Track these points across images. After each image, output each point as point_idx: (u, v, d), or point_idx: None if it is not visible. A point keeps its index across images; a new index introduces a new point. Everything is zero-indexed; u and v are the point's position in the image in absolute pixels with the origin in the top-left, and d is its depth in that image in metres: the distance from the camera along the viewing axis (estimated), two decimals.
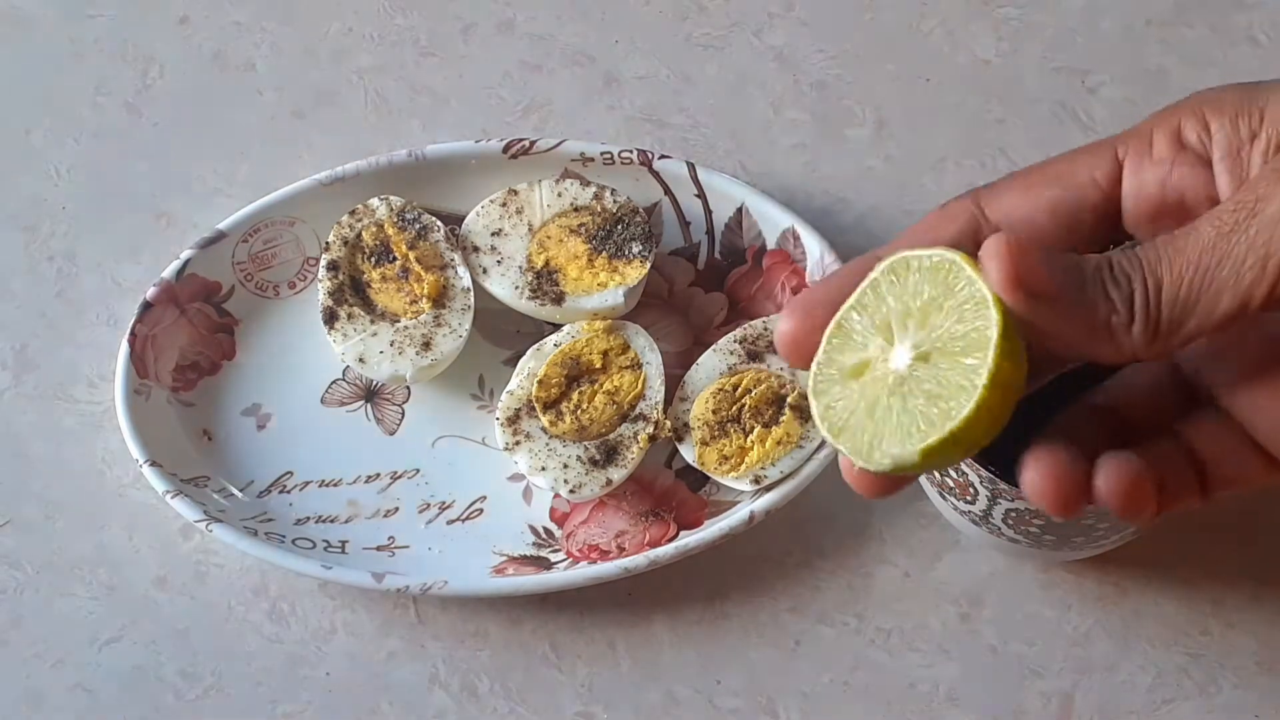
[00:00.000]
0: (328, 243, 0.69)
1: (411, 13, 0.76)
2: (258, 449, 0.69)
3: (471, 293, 0.68)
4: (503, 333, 0.70)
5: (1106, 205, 0.47)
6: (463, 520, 0.67)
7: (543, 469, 0.66)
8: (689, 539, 0.65)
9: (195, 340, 0.69)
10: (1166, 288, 0.43)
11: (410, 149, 0.70)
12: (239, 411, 0.69)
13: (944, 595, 0.66)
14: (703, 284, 0.71)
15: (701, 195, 0.70)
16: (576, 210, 0.69)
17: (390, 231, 0.69)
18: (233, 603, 0.67)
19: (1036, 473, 0.46)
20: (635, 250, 0.68)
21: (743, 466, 0.65)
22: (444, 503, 0.68)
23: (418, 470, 0.68)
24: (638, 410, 0.67)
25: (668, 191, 0.70)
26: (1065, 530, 0.60)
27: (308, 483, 0.68)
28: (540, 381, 0.67)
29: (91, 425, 0.69)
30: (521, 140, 0.70)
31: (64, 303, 0.72)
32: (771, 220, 0.70)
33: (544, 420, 0.66)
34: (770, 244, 0.70)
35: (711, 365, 0.67)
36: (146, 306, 0.68)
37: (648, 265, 0.68)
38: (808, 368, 0.47)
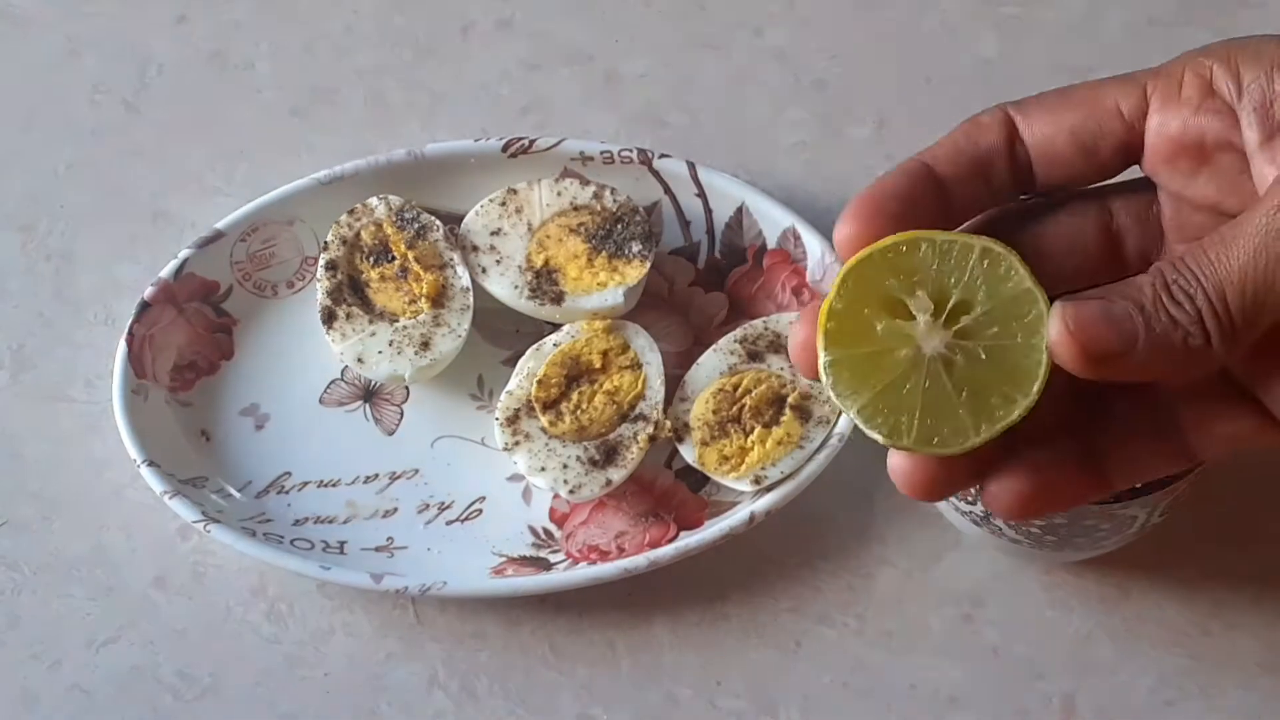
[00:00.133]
0: (326, 242, 0.69)
1: (411, 12, 0.76)
2: (256, 449, 0.68)
3: (470, 292, 0.68)
4: (502, 333, 0.70)
5: (1127, 138, 0.47)
6: (462, 521, 0.67)
7: (542, 469, 0.66)
8: (689, 539, 0.65)
9: (193, 340, 0.69)
10: (1232, 294, 0.43)
11: (409, 148, 0.70)
12: (237, 411, 0.69)
13: (945, 596, 0.66)
14: (703, 284, 0.71)
15: (701, 195, 0.70)
16: (576, 210, 0.69)
17: (389, 231, 0.69)
18: (231, 603, 0.67)
19: (900, 463, 0.46)
20: (635, 250, 0.68)
21: (743, 467, 0.65)
22: (443, 503, 0.67)
23: (417, 471, 0.68)
24: (638, 410, 0.67)
25: (668, 191, 0.70)
26: (1066, 531, 0.60)
27: (306, 483, 0.68)
28: (540, 381, 0.67)
29: (89, 425, 0.69)
30: (521, 139, 0.70)
31: (61, 302, 0.72)
32: (772, 220, 0.69)
33: (543, 420, 0.66)
34: (771, 243, 0.70)
35: (711, 365, 0.67)
36: (144, 306, 0.68)
37: (648, 265, 0.68)
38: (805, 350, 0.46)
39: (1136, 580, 0.66)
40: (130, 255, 0.72)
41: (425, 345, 0.67)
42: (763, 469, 0.65)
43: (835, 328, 0.45)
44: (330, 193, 0.70)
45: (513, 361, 0.68)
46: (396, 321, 0.68)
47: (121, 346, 0.67)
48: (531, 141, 0.70)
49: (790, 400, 0.66)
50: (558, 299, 0.68)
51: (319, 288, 0.68)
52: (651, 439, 0.66)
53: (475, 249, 0.69)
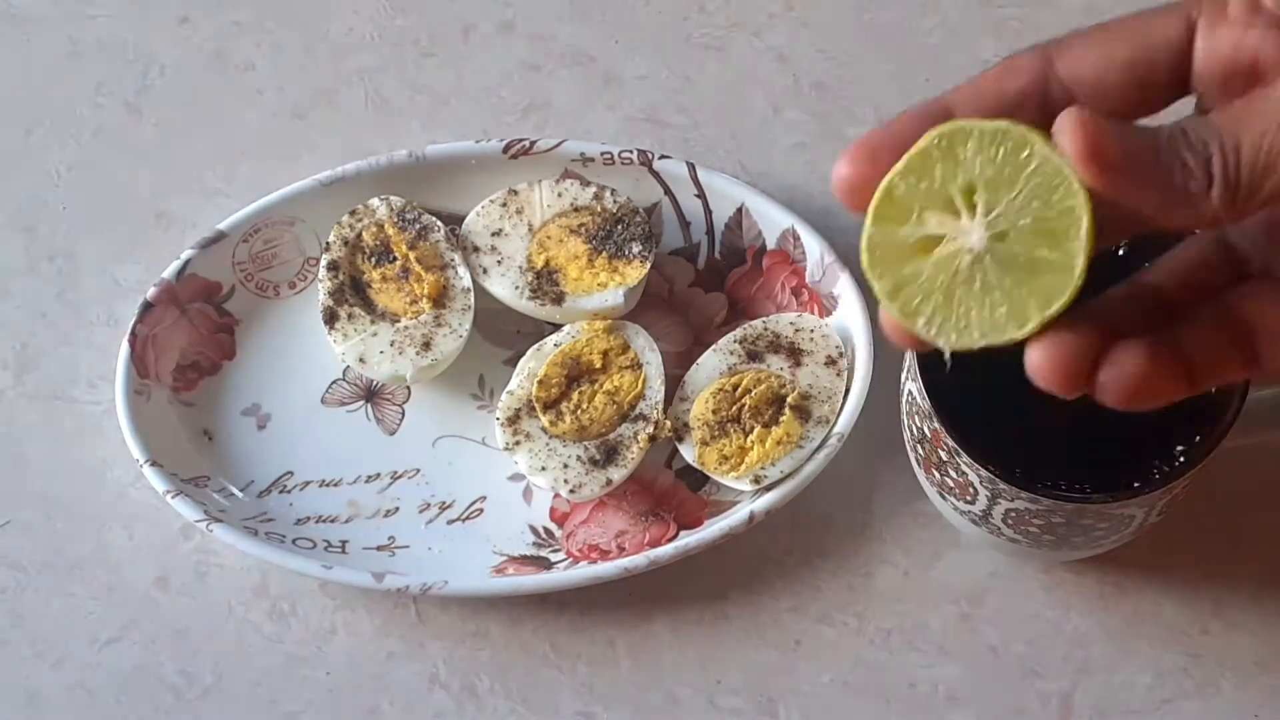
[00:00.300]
0: (328, 243, 0.69)
1: (411, 13, 0.76)
2: (258, 449, 0.69)
3: (471, 293, 0.68)
4: (503, 333, 0.70)
5: (1178, 65, 0.47)
6: (463, 520, 0.67)
7: (543, 469, 0.66)
8: (689, 539, 0.65)
9: (195, 340, 0.69)
10: (1245, 149, 0.43)
11: (410, 149, 0.70)
12: (239, 411, 0.69)
13: (944, 595, 0.66)
14: (703, 284, 0.71)
15: (701, 195, 0.70)
16: (576, 210, 0.69)
17: (390, 231, 0.69)
18: (233, 603, 0.67)
19: (1042, 352, 0.44)
20: (635, 250, 0.68)
21: (743, 466, 0.65)
22: (444, 503, 0.68)
23: (418, 470, 0.68)
24: (638, 410, 0.67)
25: (668, 191, 0.70)
26: (1065, 530, 0.60)
27: (308, 483, 0.68)
28: (540, 381, 0.67)
29: (92, 425, 0.69)
30: (522, 140, 0.70)
31: (64, 303, 0.72)
32: (771, 220, 0.69)
33: (544, 420, 0.66)
34: (770, 244, 0.70)
35: (711, 365, 0.67)
36: (147, 306, 0.68)
37: (648, 265, 0.68)
38: (863, 211, 0.45)
39: (1134, 579, 0.66)
40: (132, 256, 0.72)
41: (426, 345, 0.67)
42: (762, 468, 0.65)
43: (883, 210, 0.45)
44: (332, 193, 0.70)
45: (513, 361, 0.68)
46: (398, 322, 0.68)
47: (124, 347, 0.67)
48: (532, 143, 0.70)
49: (790, 400, 0.66)
50: (558, 299, 0.68)
51: (321, 288, 0.68)
52: (651, 439, 0.66)
53: (476, 249, 0.69)
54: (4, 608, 0.67)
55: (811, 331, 0.67)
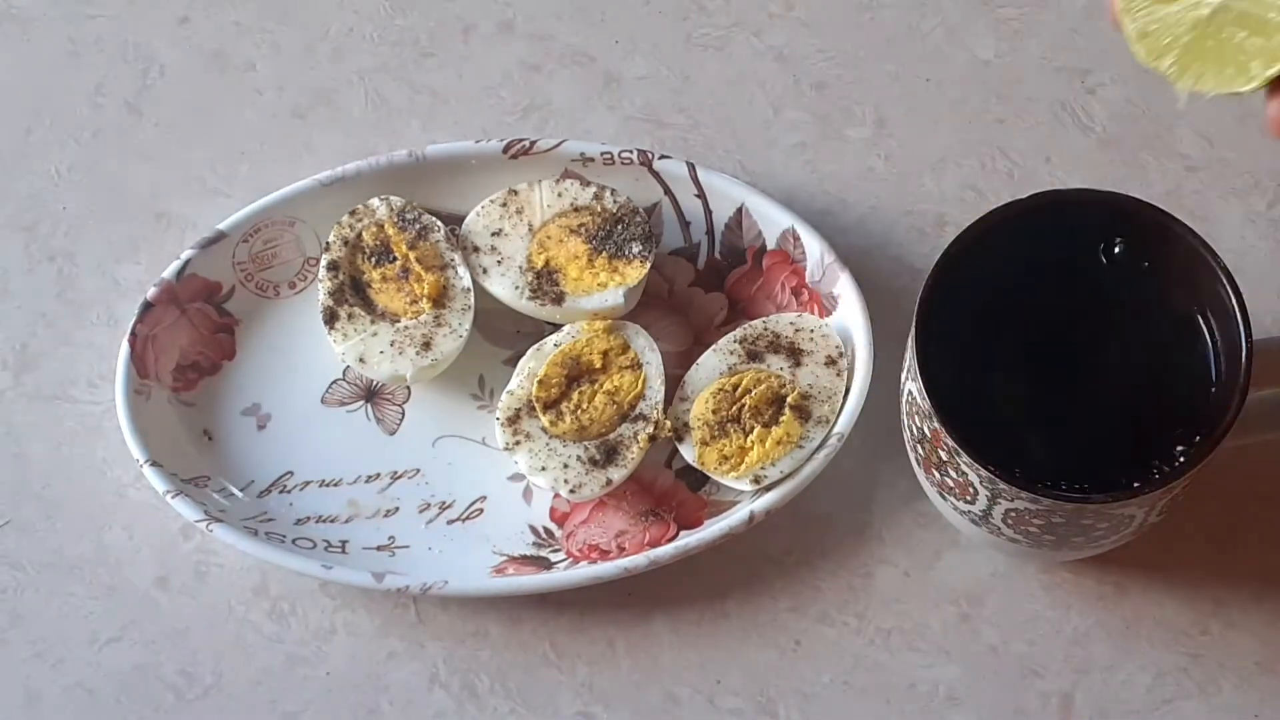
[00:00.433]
0: (328, 243, 0.69)
1: (411, 13, 0.76)
2: (258, 449, 0.69)
3: (471, 293, 0.68)
4: (503, 333, 0.70)
5: None
6: (463, 520, 0.67)
7: (543, 469, 0.66)
8: (689, 539, 0.65)
9: (195, 340, 0.69)
10: None
11: (410, 149, 0.70)
12: (239, 411, 0.69)
13: (944, 595, 0.66)
14: (703, 284, 0.71)
15: (701, 195, 0.70)
16: (576, 210, 0.69)
17: (390, 231, 0.69)
18: (233, 602, 0.67)
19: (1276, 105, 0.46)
20: (635, 250, 0.68)
21: (743, 466, 0.65)
22: (444, 503, 0.68)
23: (418, 470, 0.68)
24: (638, 410, 0.67)
25: (668, 191, 0.70)
26: (1065, 530, 0.60)
27: (308, 483, 0.68)
28: (540, 381, 0.67)
29: (92, 425, 0.69)
30: (521, 140, 0.70)
31: (64, 303, 0.72)
32: (771, 220, 0.70)
33: (544, 420, 0.66)
34: (770, 244, 0.70)
35: (711, 365, 0.67)
36: (147, 306, 0.68)
37: (648, 265, 0.68)
38: None
39: (1135, 579, 0.66)
40: (132, 256, 0.72)
41: (426, 345, 0.67)
42: (762, 468, 0.65)
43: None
44: (332, 193, 0.70)
45: (513, 361, 0.68)
46: (398, 322, 0.68)
47: (124, 347, 0.67)
48: (532, 143, 0.70)
49: (790, 400, 0.66)
50: (558, 299, 0.68)
51: (321, 288, 0.68)
52: (651, 439, 0.66)
53: (476, 249, 0.69)
54: (4, 608, 0.67)
55: (811, 331, 0.67)
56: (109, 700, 0.66)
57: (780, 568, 0.67)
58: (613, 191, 0.69)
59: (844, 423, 0.66)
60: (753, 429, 0.66)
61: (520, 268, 0.69)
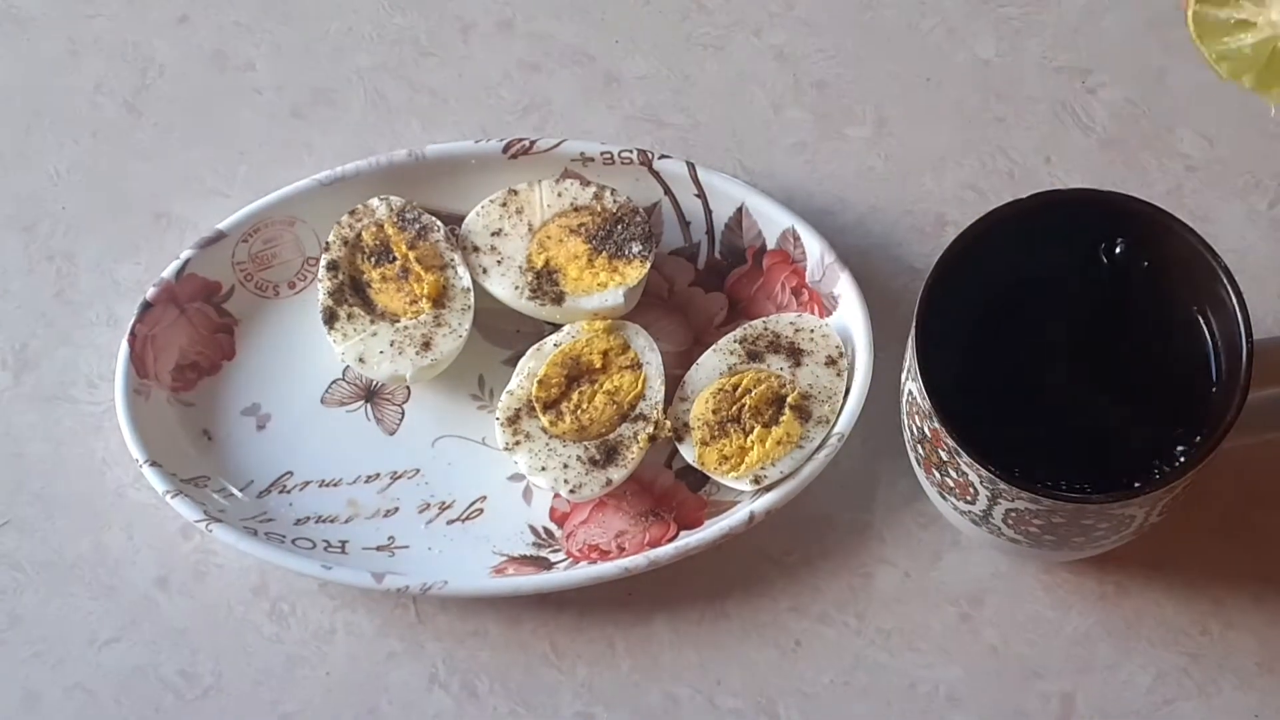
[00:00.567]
0: (328, 243, 0.69)
1: (411, 12, 0.76)
2: (257, 449, 0.69)
3: (471, 293, 0.68)
4: (503, 333, 0.70)
5: None
6: (463, 520, 0.67)
7: (543, 469, 0.66)
8: (689, 539, 0.65)
9: (195, 340, 0.69)
10: None
11: (410, 149, 0.70)
12: (239, 411, 0.69)
13: (944, 595, 0.66)
14: (703, 284, 0.71)
15: (701, 195, 0.70)
16: (576, 210, 0.69)
17: (390, 231, 0.69)
18: (233, 603, 0.67)
19: None
20: (635, 250, 0.68)
21: (743, 466, 0.65)
22: (444, 503, 0.68)
23: (418, 470, 0.68)
24: (638, 410, 0.67)
25: (668, 191, 0.70)
26: (1065, 530, 0.60)
27: (308, 483, 0.68)
28: (540, 381, 0.67)
29: (91, 425, 0.69)
30: (521, 140, 0.70)
31: (63, 303, 0.72)
32: (771, 220, 0.69)
33: (544, 420, 0.66)
34: (770, 244, 0.70)
35: (711, 365, 0.67)
36: (146, 306, 0.68)
37: (648, 265, 0.68)
38: None
39: (1135, 579, 0.66)
40: (132, 256, 0.72)
41: (426, 345, 0.67)
42: (762, 469, 0.65)
43: (1200, 23, 0.53)
44: (331, 193, 0.70)
45: (513, 361, 0.68)
46: (398, 322, 0.68)
47: (123, 346, 0.67)
48: (532, 142, 0.70)
49: (790, 400, 0.66)
50: (558, 299, 0.68)
51: (320, 288, 0.68)
52: (651, 439, 0.66)
53: (476, 249, 0.69)
54: (3, 608, 0.67)
55: (811, 331, 0.67)
56: (109, 700, 0.66)
57: (780, 568, 0.67)
58: (613, 191, 0.69)
59: (844, 423, 0.66)
60: (753, 429, 0.66)
61: (520, 268, 0.69)
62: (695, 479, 0.68)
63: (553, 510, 0.68)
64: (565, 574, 0.65)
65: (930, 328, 0.59)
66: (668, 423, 0.66)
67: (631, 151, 0.70)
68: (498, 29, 0.76)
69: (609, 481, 0.66)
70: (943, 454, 0.59)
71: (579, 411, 0.67)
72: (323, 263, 0.69)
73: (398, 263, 0.68)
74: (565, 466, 0.66)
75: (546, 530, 0.67)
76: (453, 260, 0.69)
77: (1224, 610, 0.66)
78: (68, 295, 0.72)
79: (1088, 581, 0.66)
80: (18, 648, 0.67)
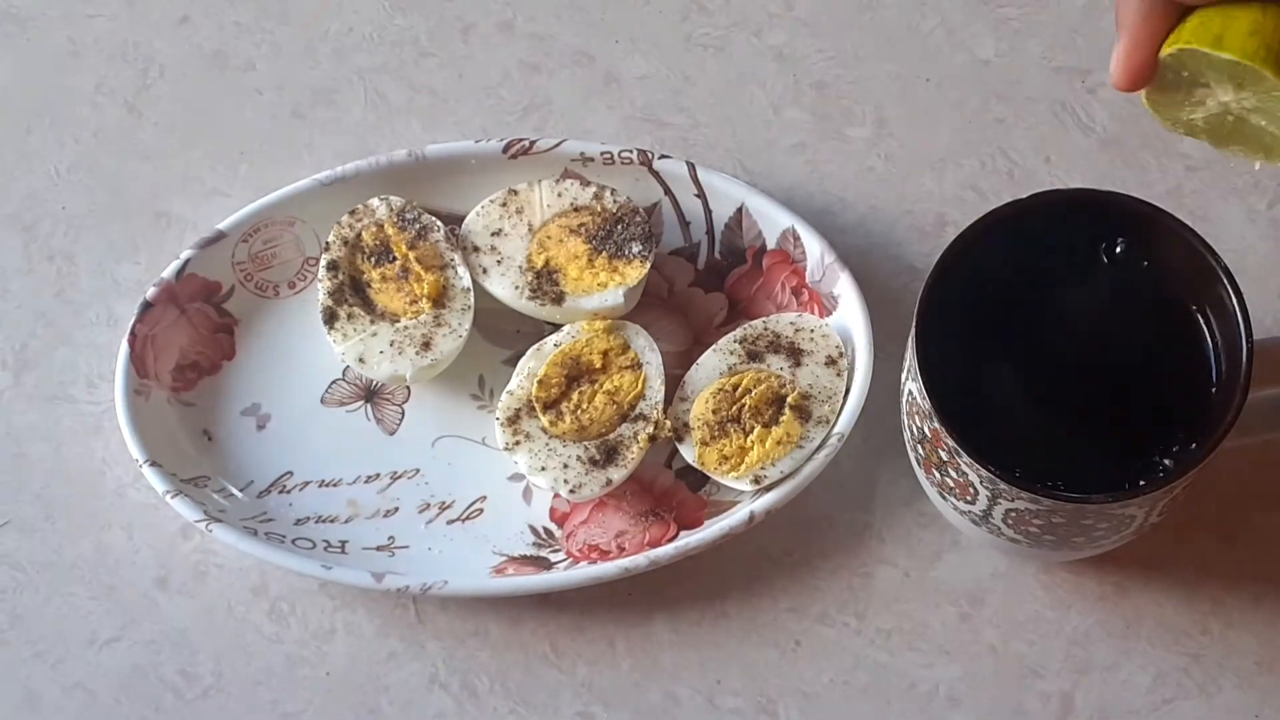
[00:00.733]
0: (328, 243, 0.69)
1: (411, 13, 0.76)
2: (257, 449, 0.69)
3: (471, 293, 0.68)
4: (503, 333, 0.70)
5: None
6: (463, 520, 0.67)
7: (543, 469, 0.66)
8: (689, 539, 0.65)
9: (195, 340, 0.69)
10: None
11: (410, 149, 0.70)
12: (239, 411, 0.69)
13: (944, 595, 0.66)
14: (703, 284, 0.71)
15: (701, 195, 0.70)
16: (576, 210, 0.69)
17: (390, 231, 0.69)
18: (233, 603, 0.67)
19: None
20: (635, 250, 0.68)
21: (743, 466, 0.65)
22: (444, 503, 0.68)
23: (418, 470, 0.68)
24: (638, 410, 0.67)
25: (668, 191, 0.70)
26: (1065, 530, 0.60)
27: (307, 483, 0.68)
28: (540, 381, 0.67)
29: (91, 425, 0.69)
30: (521, 140, 0.70)
31: (63, 303, 0.72)
32: (771, 220, 0.70)
33: (544, 420, 0.66)
34: (770, 244, 0.70)
35: (711, 365, 0.67)
36: (146, 306, 0.68)
37: (648, 265, 0.68)
38: (1137, 90, 0.51)
39: (1135, 579, 0.66)
40: (132, 256, 0.72)
41: (426, 345, 0.67)
42: (762, 469, 0.65)
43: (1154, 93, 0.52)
44: (331, 193, 0.70)
45: (513, 361, 0.68)
46: (398, 322, 0.68)
47: (123, 347, 0.67)
48: (532, 142, 0.70)
49: (790, 400, 0.66)
50: (558, 299, 0.68)
51: (320, 288, 0.68)
52: (651, 439, 0.66)
53: (476, 249, 0.69)
54: (3, 608, 0.67)
55: (811, 331, 0.67)
56: (109, 700, 0.66)
57: (780, 568, 0.67)
58: (613, 191, 0.69)
59: (844, 423, 0.66)
60: (753, 429, 0.66)
61: (520, 268, 0.69)
62: (695, 479, 0.68)
63: (553, 510, 0.68)
64: (565, 574, 0.65)
65: (930, 328, 0.59)
66: (668, 423, 0.66)
67: (631, 151, 0.70)
68: (498, 29, 0.76)
69: (609, 481, 0.66)
70: (943, 454, 0.59)
71: (579, 411, 0.67)
72: (323, 263, 0.69)
73: (398, 263, 0.68)
74: (565, 466, 0.66)
75: (546, 530, 0.67)
76: (453, 260, 0.69)
77: (1224, 610, 0.66)
78: (68, 295, 0.72)
79: (1087, 581, 0.66)
80: (18, 647, 0.67)
